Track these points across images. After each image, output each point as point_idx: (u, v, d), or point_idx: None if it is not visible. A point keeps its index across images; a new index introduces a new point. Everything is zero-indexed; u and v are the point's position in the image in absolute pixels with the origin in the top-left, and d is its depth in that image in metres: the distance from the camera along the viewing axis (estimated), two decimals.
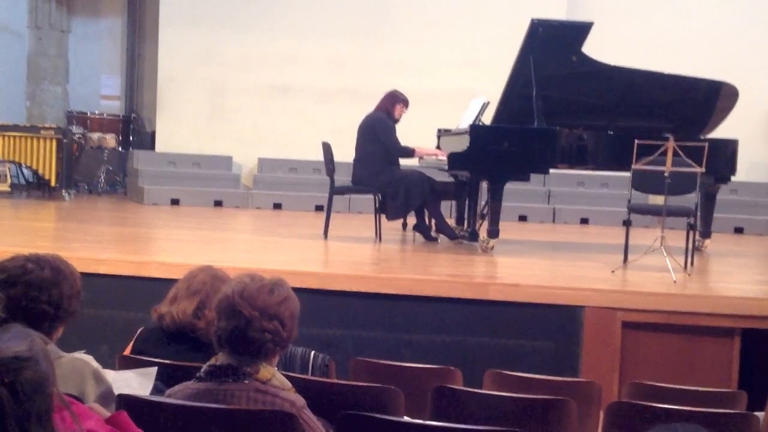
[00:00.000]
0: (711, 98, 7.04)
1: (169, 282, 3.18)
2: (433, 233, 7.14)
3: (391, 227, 7.46)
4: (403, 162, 7.19)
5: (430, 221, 7.21)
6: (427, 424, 2.45)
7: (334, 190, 7.12)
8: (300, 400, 2.35)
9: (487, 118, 7.01)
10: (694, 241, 6.09)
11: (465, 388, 3.04)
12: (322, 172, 7.80)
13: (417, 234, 7.21)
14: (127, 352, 3.06)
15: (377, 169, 6.89)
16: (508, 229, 7.24)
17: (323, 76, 10.53)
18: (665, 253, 5.48)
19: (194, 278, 3.06)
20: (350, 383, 3.02)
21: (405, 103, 7.06)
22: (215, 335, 2.40)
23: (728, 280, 6.18)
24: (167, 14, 10.55)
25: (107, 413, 2.09)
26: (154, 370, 2.66)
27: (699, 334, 4.88)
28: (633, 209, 6.20)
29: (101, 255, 5.33)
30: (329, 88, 10.51)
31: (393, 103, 7.02)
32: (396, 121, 7.03)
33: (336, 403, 2.68)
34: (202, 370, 2.40)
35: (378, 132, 6.90)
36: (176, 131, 10.60)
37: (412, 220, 7.31)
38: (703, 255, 7.01)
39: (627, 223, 6.09)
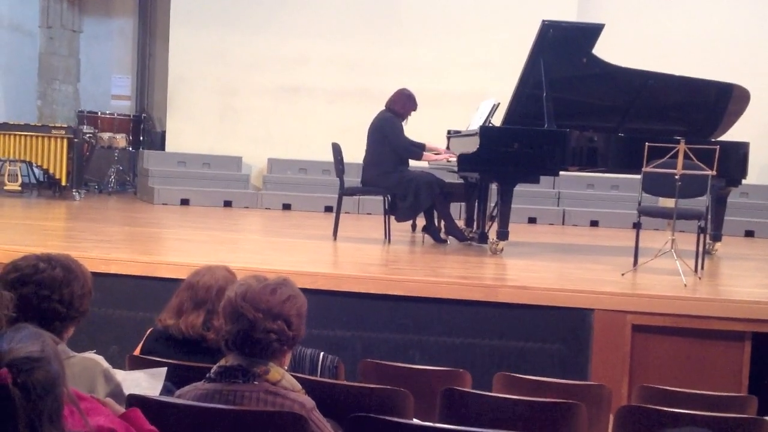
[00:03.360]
0: (722, 101, 7.02)
1: (179, 282, 3.15)
2: (442, 235, 7.14)
3: (401, 228, 7.46)
4: (413, 163, 7.18)
5: (439, 223, 7.20)
6: (437, 427, 2.45)
7: (344, 191, 7.12)
8: (309, 402, 2.35)
9: (498, 120, 7.00)
10: (704, 244, 6.07)
11: (474, 391, 3.03)
12: (332, 172, 7.80)
13: (426, 236, 7.20)
14: (137, 352, 3.06)
15: (387, 170, 6.88)
16: (517, 231, 7.23)
17: (333, 77, 10.55)
18: (675, 256, 5.46)
19: (197, 286, 2.99)
20: (359, 385, 3.02)
21: (416, 108, 7.07)
22: (222, 339, 2.41)
23: (739, 284, 6.16)
24: (178, 15, 10.58)
25: (121, 409, 2.09)
26: (163, 370, 2.66)
27: (709, 337, 4.86)
28: (643, 212, 6.18)
29: (111, 255, 5.35)
30: (339, 88, 10.52)
31: (406, 107, 7.00)
32: (403, 119, 7.02)
33: (345, 404, 2.69)
34: (212, 370, 2.40)
35: (386, 132, 6.90)
36: (186, 131, 10.63)
37: (421, 221, 7.31)
38: (713, 258, 6.99)
39: (637, 226, 6.07)
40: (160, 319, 3.03)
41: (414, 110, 7.04)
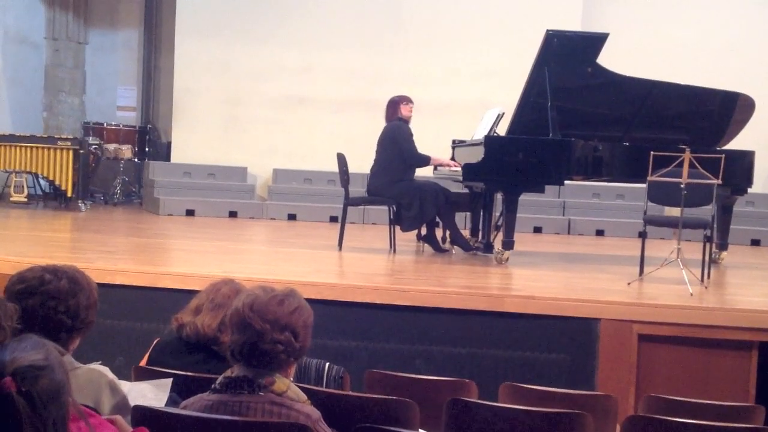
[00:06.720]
0: (727, 109, 7.01)
1: (185, 293, 3.19)
2: (446, 245, 7.13)
3: (406, 238, 7.46)
4: (418, 172, 7.19)
5: (444, 232, 7.19)
6: None
7: (349, 201, 7.12)
8: (315, 413, 2.34)
9: (502, 129, 7.00)
10: (710, 254, 6.05)
11: (480, 401, 3.02)
12: (337, 183, 7.81)
13: (426, 245, 7.19)
14: (142, 363, 3.06)
15: (394, 178, 6.89)
16: (523, 240, 7.22)
17: (338, 87, 10.57)
18: (681, 266, 5.44)
19: (218, 291, 3.05)
20: (365, 395, 3.01)
21: (408, 100, 7.08)
22: (229, 349, 2.40)
23: (745, 293, 6.13)
24: (183, 26, 10.63)
25: (129, 428, 2.09)
26: (169, 381, 2.66)
27: (716, 347, 4.84)
28: (649, 221, 6.17)
29: (117, 266, 5.35)
30: (344, 98, 10.54)
31: (398, 105, 7.03)
32: (408, 121, 7.03)
33: (350, 415, 2.68)
34: (218, 381, 2.40)
35: (396, 138, 6.90)
36: (192, 142, 10.66)
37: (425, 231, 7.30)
38: (719, 267, 6.96)
39: (643, 235, 6.05)
40: (177, 318, 3.06)
41: (411, 104, 7.05)
